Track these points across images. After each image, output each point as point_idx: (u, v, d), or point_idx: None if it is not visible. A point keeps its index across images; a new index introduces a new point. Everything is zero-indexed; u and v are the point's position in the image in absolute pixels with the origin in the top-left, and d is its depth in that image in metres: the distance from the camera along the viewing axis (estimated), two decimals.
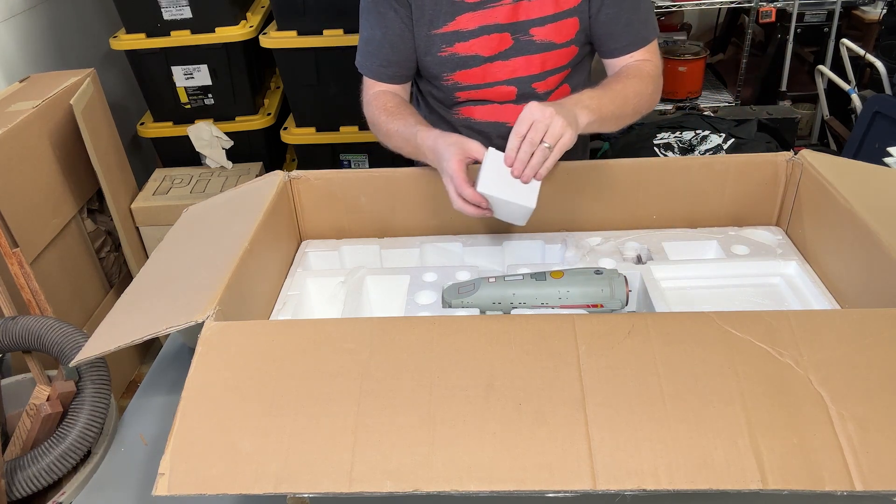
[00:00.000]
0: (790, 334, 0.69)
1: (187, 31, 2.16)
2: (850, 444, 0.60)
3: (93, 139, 1.81)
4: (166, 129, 2.34)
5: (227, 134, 2.32)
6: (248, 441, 0.64)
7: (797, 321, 0.70)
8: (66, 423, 1.17)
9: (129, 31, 2.19)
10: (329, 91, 2.21)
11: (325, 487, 0.61)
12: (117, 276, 2.10)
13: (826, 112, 2.76)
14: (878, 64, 2.38)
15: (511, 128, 1.01)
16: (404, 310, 0.96)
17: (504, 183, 0.92)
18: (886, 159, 1.64)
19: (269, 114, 2.37)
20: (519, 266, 1.05)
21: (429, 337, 0.72)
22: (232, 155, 2.34)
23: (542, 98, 1.15)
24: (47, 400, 1.21)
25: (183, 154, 2.34)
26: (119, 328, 0.83)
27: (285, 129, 2.35)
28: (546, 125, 0.88)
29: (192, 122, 2.32)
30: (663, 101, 3.07)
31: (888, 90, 2.37)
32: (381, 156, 2.35)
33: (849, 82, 2.52)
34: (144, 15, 2.14)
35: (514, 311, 0.94)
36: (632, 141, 2.47)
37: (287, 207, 1.11)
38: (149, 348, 2.12)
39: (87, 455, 1.22)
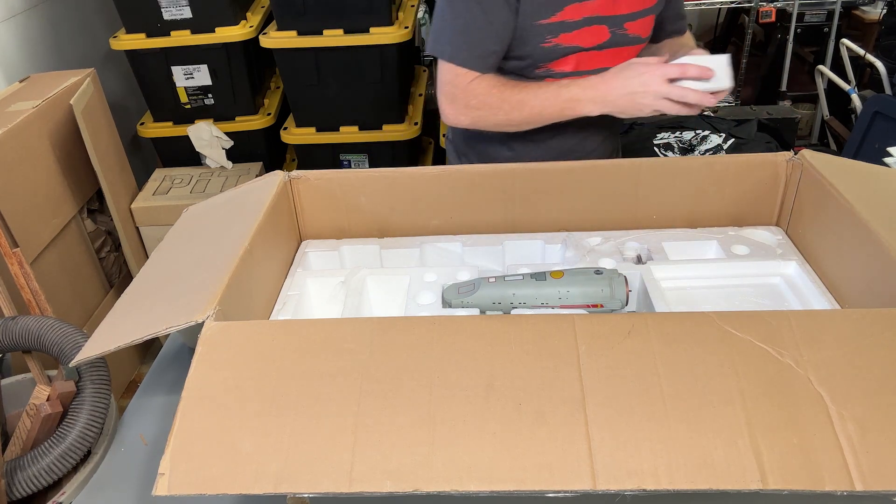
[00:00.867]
0: (790, 334, 0.69)
1: (187, 31, 2.16)
2: (850, 444, 0.60)
3: (93, 139, 1.81)
4: (166, 129, 2.34)
5: (227, 134, 2.32)
6: (248, 441, 0.64)
7: (797, 321, 0.70)
8: (66, 423, 1.17)
9: (129, 31, 2.19)
10: (329, 91, 2.22)
11: (325, 487, 0.61)
12: (117, 276, 2.10)
13: (826, 112, 2.76)
14: (878, 64, 2.39)
15: (591, 117, 1.16)
16: (404, 310, 0.96)
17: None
18: (886, 159, 1.64)
19: (269, 114, 2.37)
20: (519, 266, 1.05)
21: (429, 337, 0.72)
22: (232, 155, 2.34)
23: None
24: (47, 400, 1.21)
25: (183, 154, 2.34)
26: (119, 328, 0.83)
27: (285, 129, 2.35)
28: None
29: (192, 122, 2.32)
30: None
31: (888, 90, 2.37)
32: (381, 156, 2.35)
33: (849, 82, 2.53)
34: (144, 15, 2.14)
35: (514, 311, 0.94)
36: (632, 141, 2.47)
37: (287, 207, 1.11)
38: (149, 348, 2.12)
39: (87, 455, 1.22)
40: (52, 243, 1.74)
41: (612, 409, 0.64)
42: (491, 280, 0.95)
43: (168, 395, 1.02)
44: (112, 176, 1.95)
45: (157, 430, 0.96)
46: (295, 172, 1.11)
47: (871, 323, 0.70)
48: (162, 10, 2.13)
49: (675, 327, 0.70)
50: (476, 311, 0.94)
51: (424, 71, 2.77)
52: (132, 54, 2.21)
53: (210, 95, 2.29)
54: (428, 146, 2.70)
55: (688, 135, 2.49)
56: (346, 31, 2.10)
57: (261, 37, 2.14)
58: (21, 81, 1.90)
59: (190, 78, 2.25)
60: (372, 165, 2.38)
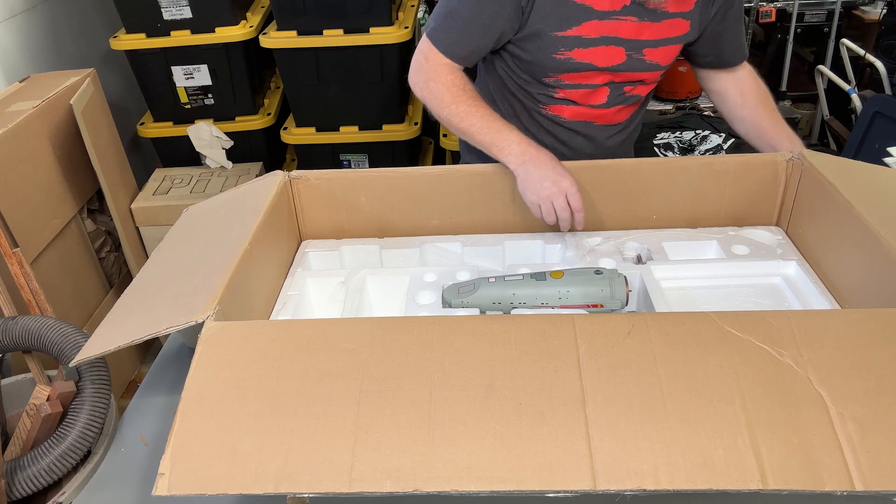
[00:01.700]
0: (790, 334, 0.69)
1: (187, 31, 2.16)
2: (850, 444, 0.60)
3: (93, 139, 1.81)
4: (166, 129, 2.34)
5: (227, 134, 2.32)
6: (248, 441, 0.64)
7: (797, 321, 0.70)
8: (66, 423, 1.17)
9: (129, 31, 2.19)
10: (329, 91, 2.21)
11: (325, 487, 0.61)
12: (117, 276, 2.10)
13: (826, 112, 2.76)
14: (878, 64, 2.38)
15: (597, 126, 1.22)
16: (404, 310, 0.96)
17: None
18: (886, 159, 1.64)
19: (269, 114, 2.37)
20: (519, 266, 1.05)
21: (429, 337, 0.72)
22: (232, 155, 2.34)
23: (627, 100, 1.20)
24: (47, 400, 1.21)
25: (183, 154, 2.34)
26: (119, 328, 0.83)
27: (285, 129, 2.35)
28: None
29: (192, 122, 2.32)
30: (663, 101, 3.07)
31: (888, 90, 2.37)
32: (381, 156, 2.35)
33: (849, 82, 2.52)
34: (144, 15, 2.14)
35: (514, 311, 0.94)
36: None
37: (287, 207, 1.11)
38: (149, 348, 2.12)
39: (87, 455, 1.22)
40: (52, 243, 1.74)
41: (612, 409, 0.64)
42: (491, 280, 0.95)
43: (168, 395, 1.02)
44: (112, 176, 1.95)
45: (157, 430, 0.96)
46: (295, 172, 1.11)
47: (871, 323, 0.70)
48: (162, 10, 2.13)
49: (675, 327, 0.70)
50: (476, 311, 0.94)
51: None
52: (132, 54, 2.21)
53: (210, 95, 2.29)
54: (428, 146, 2.70)
55: (688, 135, 2.49)
56: (346, 31, 2.09)
57: (261, 37, 2.14)
58: (21, 81, 1.90)
59: (190, 78, 2.25)
60: (372, 165, 2.38)
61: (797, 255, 1.02)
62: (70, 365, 0.95)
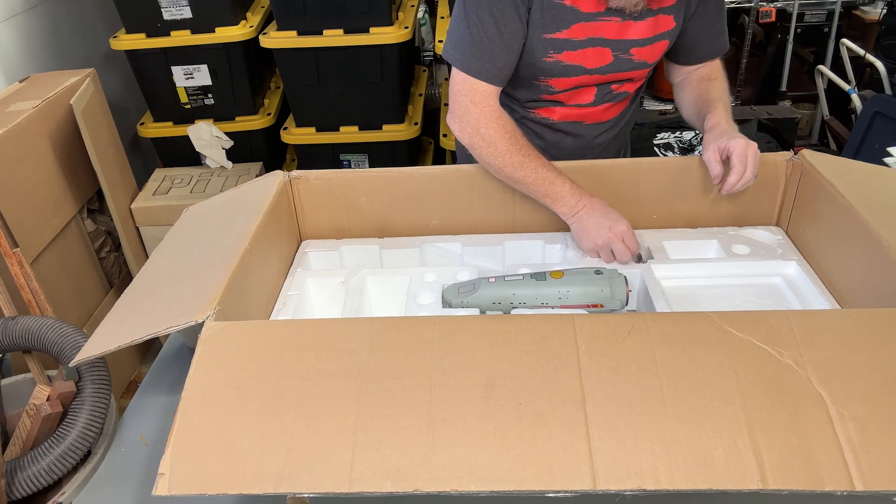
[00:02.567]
0: (790, 334, 0.69)
1: (187, 31, 2.16)
2: (850, 444, 0.60)
3: (93, 139, 1.81)
4: (166, 129, 2.34)
5: (227, 134, 2.32)
6: (248, 441, 0.64)
7: (797, 321, 0.70)
8: (66, 423, 1.17)
9: (129, 31, 2.19)
10: (329, 91, 2.21)
11: (325, 487, 0.61)
12: (117, 276, 2.10)
13: (826, 112, 2.76)
14: (878, 64, 2.38)
15: (586, 126, 1.22)
16: (404, 310, 0.96)
17: None
18: (886, 159, 1.64)
19: (269, 114, 2.37)
20: (519, 266, 1.05)
21: (429, 337, 0.72)
22: (232, 155, 2.34)
23: (614, 98, 1.20)
24: (47, 400, 1.21)
25: (183, 154, 2.34)
26: (119, 328, 0.83)
27: (285, 129, 2.35)
28: (755, 155, 1.02)
29: (192, 122, 2.32)
30: (663, 101, 3.07)
31: (888, 90, 2.37)
32: (381, 156, 2.35)
33: (849, 82, 2.52)
34: (144, 15, 2.14)
35: (514, 311, 0.94)
36: (632, 141, 2.47)
37: (287, 207, 1.11)
38: (149, 348, 2.12)
39: (87, 455, 1.22)
40: (52, 243, 1.74)
41: (612, 409, 0.64)
42: (491, 280, 0.95)
43: (168, 395, 1.02)
44: (112, 176, 1.95)
45: (157, 430, 0.96)
46: (295, 172, 1.11)
47: (871, 323, 0.70)
48: (162, 10, 2.13)
49: (675, 327, 0.70)
50: (476, 311, 0.94)
51: (424, 71, 2.77)
52: (132, 54, 2.21)
53: (210, 95, 2.29)
54: (428, 146, 2.70)
55: (688, 135, 2.49)
56: (346, 31, 2.09)
57: (261, 37, 2.14)
58: (21, 81, 1.90)
59: (190, 78, 2.25)
60: (372, 165, 2.38)
61: (797, 255, 1.02)
62: (70, 365, 0.95)
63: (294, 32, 2.12)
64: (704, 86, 1.18)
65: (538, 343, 0.70)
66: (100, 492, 0.89)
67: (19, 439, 1.23)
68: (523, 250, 1.11)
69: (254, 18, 2.24)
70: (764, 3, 2.87)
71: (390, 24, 2.10)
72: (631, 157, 1.20)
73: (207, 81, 2.26)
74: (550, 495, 0.60)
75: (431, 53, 2.84)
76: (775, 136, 2.51)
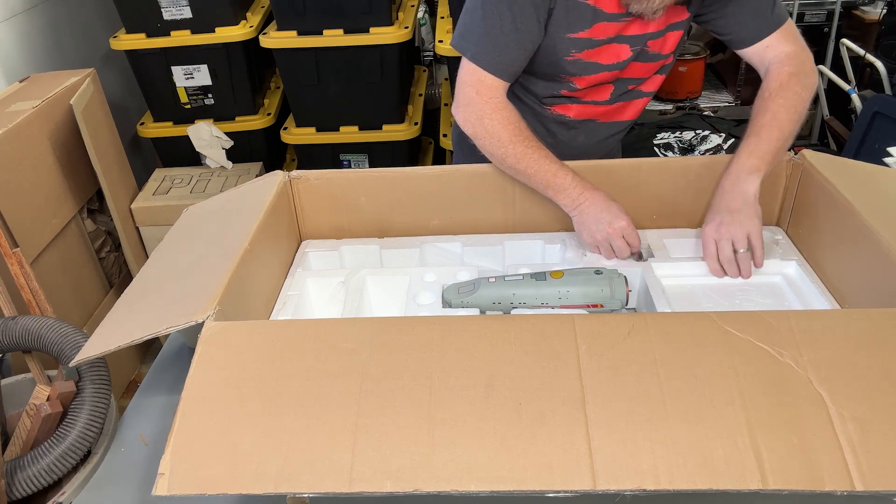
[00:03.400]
0: (790, 334, 0.69)
1: (187, 31, 2.16)
2: (850, 444, 0.60)
3: (93, 139, 1.81)
4: (166, 129, 2.34)
5: (227, 134, 2.32)
6: (248, 441, 0.64)
7: (797, 321, 0.70)
8: (66, 423, 1.17)
9: (129, 31, 2.19)
10: (329, 91, 2.21)
11: (325, 487, 0.61)
12: (117, 276, 2.10)
13: (826, 112, 2.76)
14: (878, 64, 2.38)
15: (599, 124, 1.21)
16: (404, 310, 0.96)
17: None
18: (886, 159, 1.64)
19: (269, 114, 2.37)
20: (519, 266, 1.05)
21: (429, 337, 0.72)
22: (232, 155, 2.34)
23: (629, 96, 1.18)
24: (47, 400, 1.21)
25: (183, 154, 2.33)
26: (119, 328, 0.83)
27: (285, 129, 2.35)
28: (728, 238, 0.98)
29: (192, 122, 2.32)
30: (663, 101, 3.07)
31: (888, 90, 2.36)
32: (381, 156, 2.35)
33: (849, 82, 2.52)
34: (144, 15, 2.14)
35: (514, 311, 0.94)
36: (632, 141, 2.48)
37: (287, 207, 1.11)
38: (149, 348, 2.12)
39: (87, 455, 1.22)
40: (52, 243, 1.74)
41: (612, 409, 0.64)
42: (491, 280, 0.95)
43: (168, 395, 1.02)
44: (112, 176, 1.95)
45: (157, 430, 0.96)
46: (295, 172, 1.11)
47: (871, 323, 0.70)
48: (162, 10, 2.13)
49: (675, 327, 0.70)
50: (476, 311, 0.94)
51: (424, 71, 2.76)
52: (132, 54, 2.20)
53: (210, 95, 2.29)
54: (428, 146, 2.70)
55: (688, 135, 2.49)
56: (346, 31, 2.09)
57: (261, 37, 2.14)
58: (21, 81, 1.90)
59: (190, 78, 2.25)
60: (372, 165, 2.37)
61: (797, 255, 1.02)
62: (70, 365, 0.95)
63: (294, 32, 2.12)
64: (764, 99, 1.08)
65: (538, 343, 0.70)
66: (100, 492, 0.89)
67: (19, 439, 1.23)
68: (523, 250, 1.11)
69: (254, 18, 2.24)
70: None
71: (390, 24, 2.10)
72: (631, 157, 1.20)
73: (207, 81, 2.26)
74: (550, 495, 0.60)
75: (431, 53, 2.84)
76: None
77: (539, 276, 0.95)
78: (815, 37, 2.96)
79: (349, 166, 2.39)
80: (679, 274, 1.01)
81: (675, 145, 2.45)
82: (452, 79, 2.21)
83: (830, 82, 2.64)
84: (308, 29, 2.10)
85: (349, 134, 2.30)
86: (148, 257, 1.10)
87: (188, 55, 2.20)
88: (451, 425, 0.64)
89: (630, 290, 0.96)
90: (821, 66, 2.71)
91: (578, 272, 0.95)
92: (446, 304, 0.96)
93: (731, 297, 0.98)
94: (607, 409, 0.64)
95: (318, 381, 0.68)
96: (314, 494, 0.61)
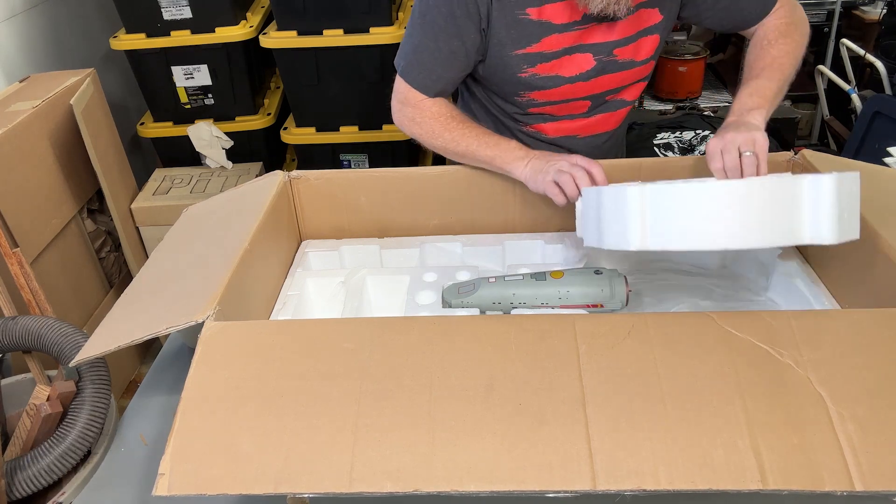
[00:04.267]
0: (790, 334, 0.69)
1: (187, 31, 2.16)
2: (850, 444, 0.60)
3: (93, 139, 1.81)
4: (166, 129, 2.34)
5: (227, 134, 2.32)
6: (248, 441, 0.64)
7: (797, 321, 0.70)
8: (66, 423, 1.17)
9: (129, 31, 2.19)
10: (329, 91, 2.21)
11: (325, 487, 0.61)
12: (117, 276, 2.10)
13: (826, 112, 2.76)
14: (878, 64, 2.38)
15: (580, 139, 1.19)
16: (404, 310, 0.96)
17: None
18: (886, 159, 1.64)
19: (269, 114, 2.37)
20: (519, 266, 1.05)
21: (429, 337, 0.72)
22: (232, 155, 2.34)
23: (610, 108, 1.17)
24: (47, 400, 1.21)
25: (183, 154, 2.33)
26: (119, 328, 0.83)
27: (285, 129, 2.35)
28: (734, 143, 0.89)
29: (192, 122, 2.32)
30: (663, 101, 3.07)
31: (888, 90, 2.36)
32: (381, 156, 2.35)
33: (849, 82, 2.52)
34: (144, 15, 2.13)
35: (514, 311, 0.94)
36: (632, 141, 2.47)
37: (287, 207, 1.11)
38: (149, 348, 2.12)
39: (87, 455, 1.22)
40: (52, 243, 1.74)
41: (612, 409, 0.64)
42: (491, 280, 0.95)
43: (168, 395, 1.02)
44: (112, 176, 1.95)
45: (157, 430, 0.96)
46: (295, 172, 1.11)
47: (871, 323, 0.70)
48: (162, 10, 2.13)
49: (675, 327, 0.70)
50: (476, 311, 0.93)
51: None
52: (132, 54, 2.20)
53: (210, 95, 2.29)
54: None
55: (688, 135, 2.49)
56: (346, 31, 2.09)
57: (261, 37, 2.14)
58: (21, 81, 1.90)
59: (190, 78, 2.25)
60: (372, 165, 2.37)
61: (797, 255, 1.02)
62: (70, 365, 0.95)
63: (294, 32, 2.12)
64: (755, 54, 1.06)
65: (538, 343, 0.70)
66: (100, 492, 0.89)
67: (19, 439, 1.23)
68: (523, 250, 1.11)
69: (254, 18, 2.24)
70: None
71: (390, 24, 2.10)
72: (631, 157, 1.20)
73: (207, 81, 2.26)
74: (550, 495, 0.60)
75: None
76: (775, 136, 2.51)
77: (539, 276, 0.95)
78: (815, 37, 2.96)
79: (349, 166, 2.39)
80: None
81: (675, 145, 2.45)
82: None
83: (830, 82, 2.64)
84: (308, 29, 2.10)
85: (349, 134, 2.30)
86: (148, 257, 1.10)
87: (188, 55, 2.20)
88: (451, 425, 0.64)
89: (630, 291, 0.96)
90: (821, 66, 2.71)
91: (578, 272, 0.95)
92: (446, 304, 0.96)
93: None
94: (607, 409, 0.64)
95: (318, 381, 0.68)
96: (314, 494, 0.61)
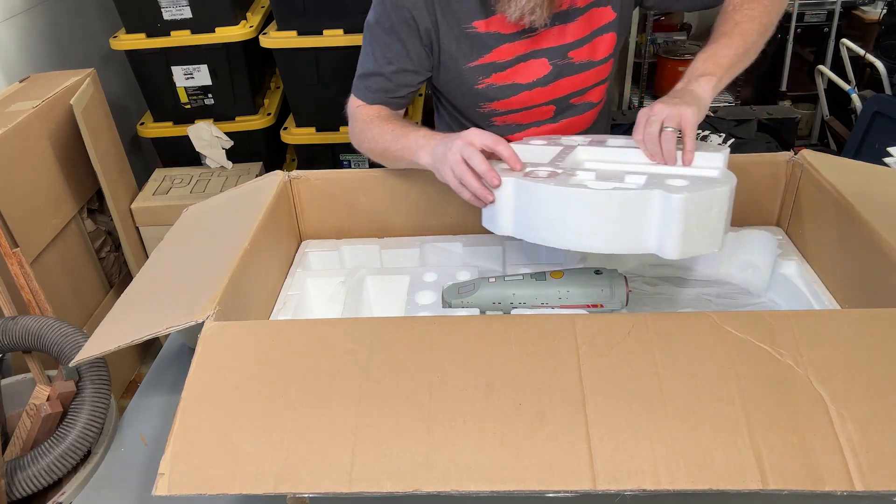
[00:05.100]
0: (790, 334, 0.69)
1: (187, 31, 2.16)
2: (850, 444, 0.60)
3: (93, 139, 1.81)
4: (166, 129, 2.34)
5: (227, 134, 2.32)
6: (248, 441, 0.64)
7: (797, 321, 0.70)
8: (66, 423, 1.17)
9: (129, 31, 2.19)
10: (329, 91, 2.21)
11: (325, 487, 0.61)
12: (117, 276, 2.10)
13: (826, 112, 2.76)
14: (878, 64, 2.38)
15: None
16: (404, 310, 0.96)
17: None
18: (886, 159, 1.64)
19: (269, 114, 2.37)
20: (519, 266, 1.05)
21: (429, 337, 0.72)
22: (232, 155, 2.34)
23: (577, 111, 1.15)
24: (47, 400, 1.21)
25: (183, 154, 2.33)
26: (119, 328, 0.83)
27: (285, 129, 2.35)
28: (659, 116, 0.86)
29: (192, 122, 2.32)
30: None
31: (888, 90, 2.37)
32: None
33: (849, 82, 2.52)
34: (144, 15, 2.14)
35: (514, 311, 0.94)
36: None
37: (287, 207, 1.11)
38: (149, 348, 2.12)
39: (87, 455, 1.22)
40: (52, 243, 1.74)
41: (612, 409, 0.64)
42: (491, 280, 0.95)
43: (168, 395, 1.02)
44: (112, 176, 1.95)
45: (157, 430, 0.96)
46: (295, 172, 1.11)
47: (871, 323, 0.70)
48: (162, 10, 2.13)
49: (675, 327, 0.70)
50: (476, 311, 0.94)
51: None
52: (132, 54, 2.21)
53: (210, 95, 2.29)
54: None
55: None
56: (346, 31, 2.09)
57: (261, 37, 2.14)
58: (21, 81, 1.90)
59: (190, 78, 2.25)
60: (372, 165, 2.37)
61: (797, 255, 1.02)
62: (70, 365, 0.95)
63: (294, 32, 2.12)
64: (719, 20, 1.01)
65: (538, 343, 0.70)
66: (100, 492, 0.89)
67: (19, 439, 1.23)
68: (523, 250, 1.11)
69: (254, 18, 2.24)
70: None
71: None
72: None
73: (207, 81, 2.26)
74: (550, 495, 0.60)
75: None
76: (775, 136, 2.51)
77: (539, 276, 0.95)
78: (815, 37, 2.97)
79: (349, 166, 2.39)
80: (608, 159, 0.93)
81: None
82: None
83: (830, 82, 2.64)
84: (308, 29, 2.10)
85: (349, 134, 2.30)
86: (148, 257, 1.10)
87: (188, 55, 2.20)
88: (451, 425, 0.64)
89: (630, 291, 0.96)
90: (821, 66, 2.72)
91: (578, 272, 0.95)
92: (446, 304, 0.96)
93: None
94: (607, 409, 0.64)
95: (318, 381, 0.68)
96: (314, 494, 0.61)
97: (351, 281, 1.04)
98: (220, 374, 0.70)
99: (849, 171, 1.00)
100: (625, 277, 0.94)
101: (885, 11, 2.77)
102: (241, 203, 1.08)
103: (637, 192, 0.76)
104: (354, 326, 0.75)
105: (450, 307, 0.95)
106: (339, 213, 1.14)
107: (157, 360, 1.10)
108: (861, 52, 2.47)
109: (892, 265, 0.81)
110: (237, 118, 2.34)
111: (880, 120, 2.14)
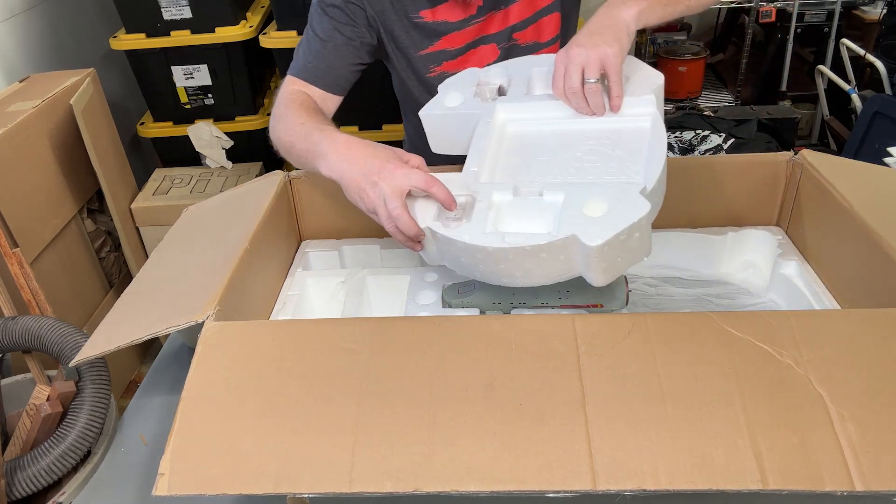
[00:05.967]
0: (790, 334, 0.69)
1: (187, 31, 2.16)
2: (850, 444, 0.60)
3: (93, 139, 1.81)
4: (166, 129, 2.34)
5: (227, 134, 2.32)
6: (248, 441, 0.64)
7: (797, 321, 0.70)
8: (66, 423, 1.17)
9: (129, 31, 2.19)
10: None
11: (325, 487, 0.61)
12: (117, 276, 2.10)
13: (826, 112, 2.76)
14: (878, 64, 2.38)
15: None
16: (404, 310, 0.96)
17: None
18: (886, 159, 1.64)
19: (269, 114, 2.37)
20: None
21: (429, 337, 0.72)
22: (232, 155, 2.34)
23: None
24: (47, 400, 1.21)
25: (183, 154, 2.34)
26: (119, 328, 0.83)
27: None
28: (578, 64, 0.79)
29: (192, 122, 2.32)
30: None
31: (888, 90, 2.37)
32: None
33: (849, 82, 2.52)
34: (144, 15, 2.14)
35: (514, 311, 0.94)
36: None
37: (287, 207, 1.11)
38: (149, 348, 2.12)
39: (87, 455, 1.22)
40: (52, 243, 1.74)
41: (612, 409, 0.64)
42: None
43: (168, 395, 1.02)
44: (112, 176, 1.95)
45: (157, 430, 0.96)
46: (295, 172, 1.11)
47: (871, 323, 0.70)
48: (162, 10, 2.13)
49: (676, 327, 0.70)
50: (476, 311, 0.93)
51: None
52: (132, 54, 2.21)
53: (210, 95, 2.29)
54: None
55: (688, 135, 2.49)
56: None
57: (261, 37, 2.14)
58: (21, 81, 1.90)
59: (190, 78, 2.25)
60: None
61: (797, 255, 1.02)
62: (70, 365, 0.95)
63: (294, 32, 2.12)
64: None
65: (538, 343, 0.70)
66: (100, 492, 0.89)
67: (19, 439, 1.23)
68: None
69: (254, 18, 2.24)
70: (764, 3, 2.88)
71: None
72: None
73: (207, 81, 2.26)
74: (550, 495, 0.60)
75: None
76: (775, 136, 2.51)
77: None
78: (815, 37, 2.97)
79: None
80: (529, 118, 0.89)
81: (675, 145, 2.45)
82: None
83: (830, 82, 2.64)
84: None
85: (349, 134, 2.31)
86: (148, 257, 1.10)
87: (188, 55, 2.20)
88: (451, 425, 0.64)
89: (630, 290, 0.96)
90: (821, 66, 2.72)
91: None
92: (446, 304, 0.96)
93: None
94: (607, 409, 0.64)
95: (318, 381, 0.68)
96: (314, 494, 0.61)
97: (351, 281, 1.04)
98: (220, 374, 0.70)
99: (849, 171, 1.00)
100: (625, 277, 0.93)
101: (885, 11, 2.77)
102: (240, 203, 1.08)
103: (549, 243, 0.74)
104: (354, 326, 0.75)
105: (450, 307, 0.95)
106: (339, 213, 1.14)
107: (157, 360, 1.10)
108: (861, 52, 2.47)
109: (892, 265, 0.81)
110: (237, 118, 2.34)
111: (880, 120, 2.14)
